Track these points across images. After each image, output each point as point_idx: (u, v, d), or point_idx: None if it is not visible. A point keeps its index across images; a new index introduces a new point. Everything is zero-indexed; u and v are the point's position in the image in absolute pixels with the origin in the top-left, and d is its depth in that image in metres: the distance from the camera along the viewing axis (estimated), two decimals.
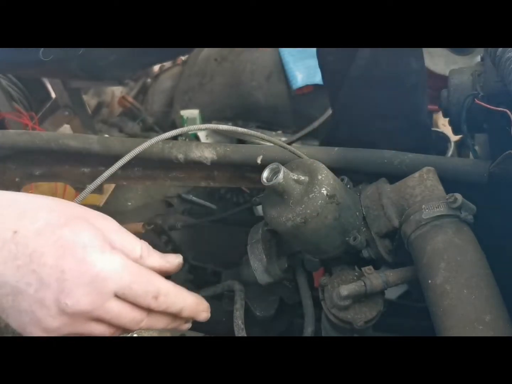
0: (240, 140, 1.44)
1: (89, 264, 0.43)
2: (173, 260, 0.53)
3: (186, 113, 1.53)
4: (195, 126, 0.66)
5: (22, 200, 0.45)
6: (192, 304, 0.52)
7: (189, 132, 1.49)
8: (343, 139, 0.90)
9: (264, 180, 0.58)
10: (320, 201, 0.57)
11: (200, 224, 1.04)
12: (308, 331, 0.66)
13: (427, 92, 0.90)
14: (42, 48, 0.76)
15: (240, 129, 0.66)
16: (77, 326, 0.45)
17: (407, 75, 0.83)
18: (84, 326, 0.45)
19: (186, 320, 0.55)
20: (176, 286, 0.50)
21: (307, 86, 1.45)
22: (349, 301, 0.59)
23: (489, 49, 0.59)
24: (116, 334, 0.48)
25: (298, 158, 0.68)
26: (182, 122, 1.52)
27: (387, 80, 0.82)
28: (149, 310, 0.48)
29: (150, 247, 0.51)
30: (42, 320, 0.43)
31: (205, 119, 1.56)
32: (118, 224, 0.49)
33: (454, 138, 1.08)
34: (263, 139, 0.67)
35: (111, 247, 0.45)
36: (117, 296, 0.45)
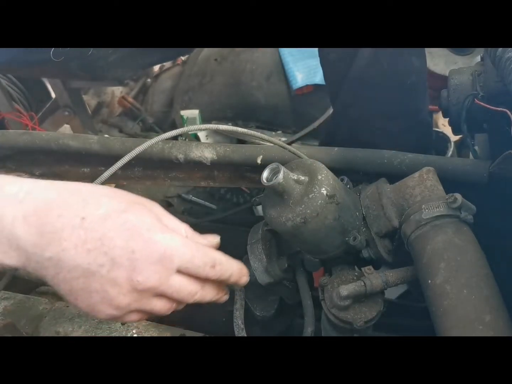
0: (240, 140, 1.44)
1: (155, 244, 0.47)
2: (213, 240, 0.57)
3: (186, 113, 1.53)
4: (195, 126, 0.66)
5: (83, 190, 0.49)
6: (237, 270, 0.56)
7: (189, 132, 1.49)
8: (343, 139, 0.90)
9: (264, 180, 0.58)
10: (320, 201, 0.57)
11: (200, 224, 1.04)
12: (308, 331, 0.66)
13: (427, 91, 0.90)
14: (53, 48, 0.77)
15: (240, 129, 0.66)
16: (143, 302, 0.49)
17: (408, 74, 0.83)
18: (149, 302, 0.49)
19: (227, 289, 0.59)
20: (224, 255, 0.55)
21: (307, 86, 1.45)
22: (349, 301, 0.59)
23: (489, 49, 0.59)
24: (172, 309, 0.52)
25: (298, 158, 0.68)
26: (182, 122, 1.53)
27: (387, 79, 0.82)
28: (203, 282, 0.53)
29: (191, 229, 0.55)
30: (114, 299, 0.47)
31: (205, 119, 1.56)
32: (163, 209, 0.54)
33: (454, 138, 1.08)
34: (263, 139, 0.67)
35: (168, 228, 0.50)
36: (179, 271, 0.49)
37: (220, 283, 0.56)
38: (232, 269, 0.55)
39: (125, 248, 0.46)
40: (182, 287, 0.50)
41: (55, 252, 0.45)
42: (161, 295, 0.50)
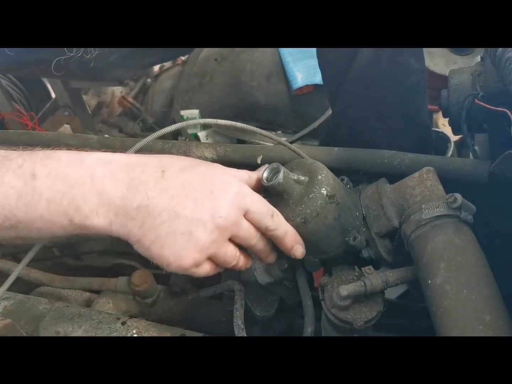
0: (240, 140, 1.44)
1: (230, 184, 0.54)
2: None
3: (186, 113, 1.53)
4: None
5: (158, 156, 0.55)
6: (292, 232, 0.59)
7: (189, 132, 1.49)
8: (343, 139, 0.90)
9: (264, 180, 0.58)
10: (320, 201, 0.57)
11: None
12: (308, 331, 0.66)
13: (427, 92, 0.90)
14: (55, 60, 0.77)
15: (239, 124, 0.66)
16: (220, 245, 0.53)
17: (408, 75, 0.83)
18: (224, 245, 0.54)
19: (275, 253, 0.62)
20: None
21: (307, 86, 1.45)
22: (349, 301, 0.59)
23: (489, 49, 0.59)
24: (236, 261, 0.57)
25: (298, 158, 0.68)
26: (182, 122, 1.52)
27: (387, 79, 0.82)
28: (260, 233, 0.57)
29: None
30: (198, 239, 0.51)
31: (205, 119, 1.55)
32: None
33: (454, 138, 1.08)
34: (262, 135, 0.67)
35: (236, 174, 0.58)
36: (246, 215, 0.54)
37: (271, 242, 0.59)
38: (288, 227, 0.58)
39: (204, 190, 0.51)
40: (250, 230, 0.55)
41: (142, 201, 0.49)
42: (233, 237, 0.54)
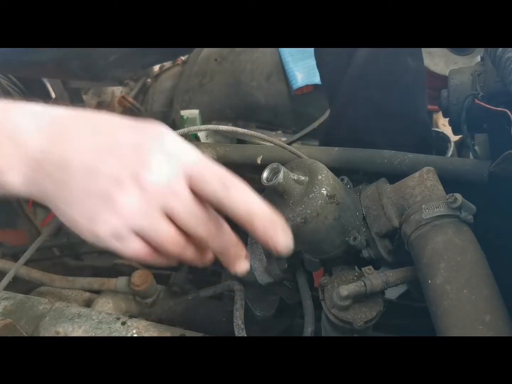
0: (240, 140, 1.44)
1: (165, 136, 0.43)
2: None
3: (186, 113, 1.53)
4: (196, 127, 0.66)
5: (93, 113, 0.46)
6: (267, 212, 0.45)
7: (189, 132, 1.49)
8: (342, 138, 0.90)
9: (264, 180, 0.58)
10: (320, 201, 0.57)
11: None
12: (308, 331, 0.66)
13: (426, 91, 0.90)
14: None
15: (240, 130, 0.66)
16: (148, 216, 0.42)
17: (405, 73, 0.83)
18: (155, 218, 0.42)
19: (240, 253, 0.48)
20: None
21: (307, 86, 1.45)
22: (349, 301, 0.59)
23: (489, 49, 0.59)
24: (176, 246, 0.44)
25: (298, 158, 0.68)
26: (182, 122, 1.52)
27: (385, 78, 0.82)
28: (208, 213, 0.44)
29: None
30: (116, 200, 0.41)
31: (205, 119, 1.56)
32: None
33: (454, 138, 1.08)
34: (263, 139, 0.67)
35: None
36: (188, 184, 0.43)
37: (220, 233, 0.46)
38: (254, 206, 0.44)
39: (131, 142, 0.42)
40: (190, 204, 0.43)
41: (62, 155, 0.42)
42: (169, 213, 0.43)
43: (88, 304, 0.85)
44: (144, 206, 0.41)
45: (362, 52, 0.81)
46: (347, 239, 0.61)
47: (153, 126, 0.45)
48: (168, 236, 0.43)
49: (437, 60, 1.46)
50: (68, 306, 0.73)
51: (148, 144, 0.42)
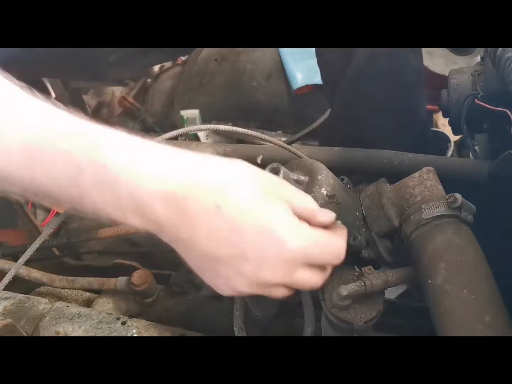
0: (240, 140, 1.44)
1: (286, 244, 0.46)
2: (330, 217, 0.53)
3: (186, 113, 1.53)
4: (196, 127, 0.66)
5: (222, 169, 0.47)
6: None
7: (189, 132, 1.49)
8: (342, 137, 0.90)
9: None
10: (320, 201, 0.57)
11: None
12: (308, 331, 0.66)
13: (424, 89, 0.90)
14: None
15: (240, 129, 0.66)
16: (263, 291, 0.49)
17: (405, 71, 0.83)
18: (269, 290, 0.50)
19: None
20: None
21: (307, 86, 1.45)
22: (349, 301, 0.59)
23: (489, 49, 0.59)
24: (314, 282, 0.51)
25: (298, 158, 0.68)
26: (182, 122, 1.53)
27: (385, 76, 0.83)
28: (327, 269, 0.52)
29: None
30: (237, 286, 0.48)
31: (205, 119, 1.56)
32: (294, 187, 0.52)
33: (454, 138, 1.08)
34: (263, 139, 0.67)
35: (298, 221, 0.48)
36: (304, 265, 0.49)
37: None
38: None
39: (256, 244, 0.46)
40: (306, 280, 0.50)
41: (189, 235, 0.46)
42: (283, 285, 0.50)
43: (88, 304, 0.85)
44: (258, 290, 0.49)
45: (363, 50, 0.81)
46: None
47: (275, 217, 0.47)
48: (307, 280, 0.50)
49: (437, 60, 1.46)
50: (68, 306, 0.73)
51: (269, 251, 0.46)
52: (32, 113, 0.45)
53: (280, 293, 0.50)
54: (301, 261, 0.48)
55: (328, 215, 0.52)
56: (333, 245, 0.51)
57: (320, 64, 0.92)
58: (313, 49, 0.97)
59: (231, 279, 0.48)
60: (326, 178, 0.59)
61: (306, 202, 0.51)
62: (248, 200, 0.46)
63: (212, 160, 0.48)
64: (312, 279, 0.50)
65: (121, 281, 0.84)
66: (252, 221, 0.46)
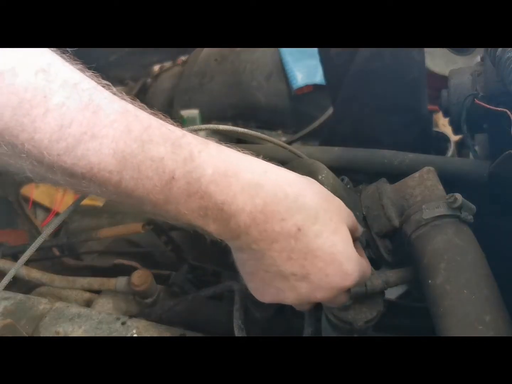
0: (240, 140, 1.44)
1: (347, 276, 0.49)
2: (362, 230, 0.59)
3: (186, 113, 1.53)
4: (196, 127, 0.66)
5: (306, 196, 0.49)
6: None
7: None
8: (345, 134, 0.90)
9: None
10: None
11: None
12: (308, 331, 0.66)
13: (426, 87, 0.90)
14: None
15: (240, 129, 0.66)
16: (304, 306, 0.54)
17: (410, 68, 0.83)
18: (308, 306, 0.54)
19: None
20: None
21: (307, 86, 1.45)
22: (349, 301, 0.59)
23: (489, 49, 0.59)
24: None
25: (298, 158, 0.68)
26: (182, 122, 1.52)
27: (389, 73, 0.82)
28: None
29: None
30: (285, 300, 0.51)
31: (205, 119, 1.56)
32: (344, 206, 0.54)
33: (454, 138, 1.08)
34: (263, 139, 0.67)
35: (355, 251, 0.51)
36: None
37: None
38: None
39: (322, 270, 0.48)
40: (342, 302, 0.55)
41: (261, 248, 0.47)
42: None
43: (88, 304, 0.85)
44: (302, 305, 0.54)
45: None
46: None
47: (344, 249, 0.50)
48: (343, 301, 0.55)
49: (437, 60, 1.45)
50: (68, 306, 0.73)
51: (331, 278, 0.49)
52: (123, 116, 0.44)
53: (309, 307, 0.55)
54: (348, 287, 0.52)
55: (361, 230, 0.57)
56: (368, 271, 0.55)
57: (322, 60, 0.92)
58: (313, 49, 0.97)
59: (283, 291, 0.50)
60: (326, 178, 0.59)
61: (354, 222, 0.54)
62: (325, 226, 0.48)
63: (290, 176, 0.49)
64: (345, 298, 0.55)
65: (121, 281, 0.84)
66: (324, 249, 0.48)
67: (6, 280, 0.56)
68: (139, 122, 0.44)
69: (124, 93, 0.49)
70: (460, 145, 1.13)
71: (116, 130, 0.42)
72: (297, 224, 0.47)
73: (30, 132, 0.39)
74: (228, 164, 0.46)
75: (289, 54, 1.50)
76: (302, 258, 0.48)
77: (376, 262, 0.64)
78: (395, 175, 0.67)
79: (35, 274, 0.86)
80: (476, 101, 0.68)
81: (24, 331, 0.65)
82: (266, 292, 0.52)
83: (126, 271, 0.87)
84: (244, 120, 1.55)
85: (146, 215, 0.49)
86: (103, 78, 0.50)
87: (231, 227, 0.46)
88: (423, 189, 0.60)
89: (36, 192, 1.35)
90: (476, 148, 0.78)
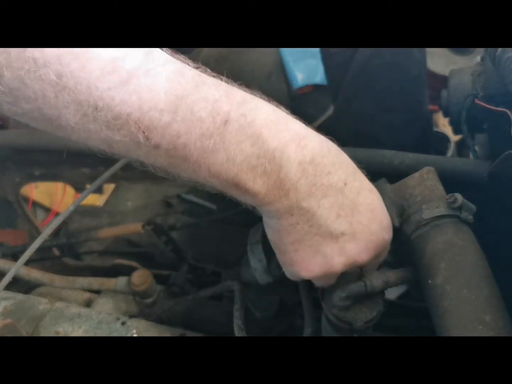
0: None
1: (386, 231, 0.51)
2: None
3: None
4: None
5: (344, 158, 0.50)
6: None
7: None
8: (345, 132, 0.90)
9: None
10: None
11: (200, 224, 1.04)
12: (308, 331, 0.66)
13: (426, 85, 0.90)
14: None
15: None
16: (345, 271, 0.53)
17: (410, 67, 0.83)
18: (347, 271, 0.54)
19: None
20: None
21: (307, 85, 1.45)
22: (349, 301, 0.59)
23: (489, 49, 0.59)
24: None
25: None
26: None
27: (389, 71, 0.82)
28: None
29: None
30: (334, 265, 0.50)
31: None
32: None
33: (454, 138, 1.08)
34: None
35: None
36: None
37: None
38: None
39: (367, 227, 0.49)
40: (380, 261, 0.57)
41: (312, 205, 0.46)
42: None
43: (88, 304, 0.85)
44: (344, 269, 0.53)
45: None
46: None
47: (381, 205, 0.52)
48: (374, 266, 0.58)
49: (437, 60, 1.46)
50: (68, 306, 0.73)
51: (375, 236, 0.50)
52: (174, 62, 0.45)
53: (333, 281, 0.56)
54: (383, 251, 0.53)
55: None
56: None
57: (324, 58, 0.92)
58: (313, 49, 0.97)
59: (332, 257, 0.49)
60: None
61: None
62: (363, 184, 0.49)
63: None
64: (384, 257, 0.56)
65: (121, 281, 0.84)
66: (366, 205, 0.49)
67: (6, 280, 0.57)
68: (190, 68, 0.45)
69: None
70: (460, 145, 1.13)
71: (168, 70, 0.42)
72: (341, 178, 0.47)
73: (83, 61, 0.39)
74: (278, 113, 0.47)
75: (289, 54, 1.50)
76: (350, 215, 0.48)
77: None
78: (395, 175, 0.67)
79: (35, 274, 0.86)
80: (476, 101, 0.68)
81: (24, 331, 0.65)
82: (313, 262, 0.50)
83: (126, 271, 0.87)
84: None
85: (180, 179, 0.47)
86: None
87: (281, 179, 0.44)
88: (423, 189, 0.60)
89: (36, 192, 1.35)
90: (476, 148, 0.78)
